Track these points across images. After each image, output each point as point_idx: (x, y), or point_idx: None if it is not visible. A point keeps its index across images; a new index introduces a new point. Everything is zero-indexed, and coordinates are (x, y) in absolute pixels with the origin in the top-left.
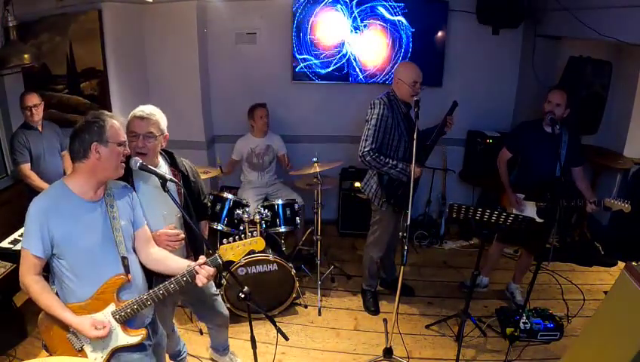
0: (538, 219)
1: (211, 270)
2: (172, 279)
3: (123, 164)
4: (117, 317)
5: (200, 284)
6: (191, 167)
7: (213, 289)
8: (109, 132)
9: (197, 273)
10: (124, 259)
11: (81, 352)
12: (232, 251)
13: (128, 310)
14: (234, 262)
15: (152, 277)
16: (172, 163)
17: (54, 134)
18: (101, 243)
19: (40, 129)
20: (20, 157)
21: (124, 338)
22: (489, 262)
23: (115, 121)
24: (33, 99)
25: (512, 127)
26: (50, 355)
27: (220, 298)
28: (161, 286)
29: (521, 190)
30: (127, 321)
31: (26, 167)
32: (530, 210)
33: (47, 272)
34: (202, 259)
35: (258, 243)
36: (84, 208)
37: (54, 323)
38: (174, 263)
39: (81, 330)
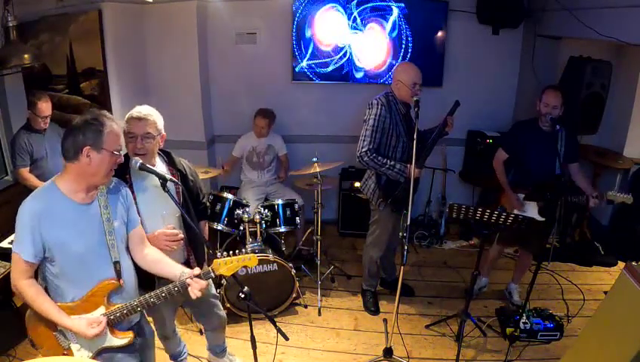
0: (539, 218)
1: (204, 283)
2: (164, 288)
3: (112, 171)
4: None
5: (193, 296)
6: (189, 166)
7: (213, 291)
8: (106, 137)
9: (189, 285)
10: (116, 263)
11: (67, 351)
12: (226, 266)
13: (117, 314)
14: (225, 276)
15: (154, 278)
16: (170, 162)
17: (56, 135)
18: (93, 247)
19: (43, 131)
20: (19, 161)
21: (111, 339)
22: (489, 263)
23: (116, 127)
24: (49, 110)
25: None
26: (37, 350)
27: (218, 301)
28: (152, 294)
29: (521, 190)
30: (114, 324)
31: (25, 171)
32: (532, 210)
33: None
34: (196, 270)
35: (252, 260)
36: (76, 211)
37: (42, 321)
38: (168, 267)
39: (78, 332)
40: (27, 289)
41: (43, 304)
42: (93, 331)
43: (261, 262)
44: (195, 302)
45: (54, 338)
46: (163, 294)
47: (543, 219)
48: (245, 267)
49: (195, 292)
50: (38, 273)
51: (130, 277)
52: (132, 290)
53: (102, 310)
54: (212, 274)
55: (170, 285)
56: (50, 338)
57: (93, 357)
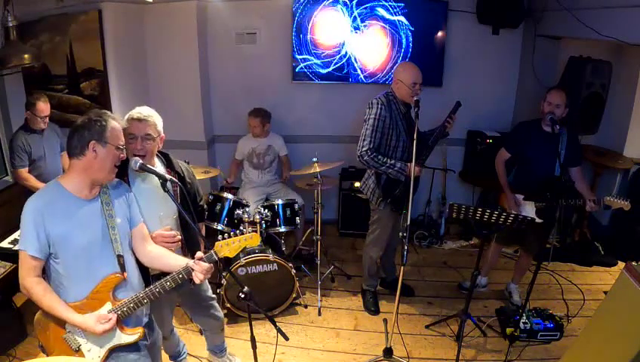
0: (538, 220)
1: (206, 266)
2: (168, 276)
3: (116, 168)
4: None
5: (197, 281)
6: (187, 168)
7: (210, 293)
8: (109, 133)
9: (193, 269)
10: (119, 257)
11: (78, 352)
12: (228, 247)
13: (124, 309)
14: (229, 258)
15: (150, 278)
16: (168, 164)
17: (55, 135)
18: (97, 242)
19: (41, 132)
20: (18, 161)
21: (120, 337)
22: (488, 263)
23: (117, 124)
24: (48, 110)
25: (512, 127)
26: (47, 356)
27: (215, 302)
28: (157, 283)
29: (521, 190)
30: (123, 320)
31: (24, 171)
32: (530, 210)
33: (43, 272)
34: (199, 254)
35: (253, 238)
36: (79, 206)
37: (50, 323)
38: (173, 260)
39: (86, 328)
40: (35, 286)
41: (50, 301)
42: (103, 327)
43: (261, 262)
44: (191, 305)
45: (64, 341)
46: (168, 283)
47: (541, 221)
48: (247, 247)
49: (198, 276)
50: (45, 277)
51: (133, 271)
52: (136, 284)
53: (108, 306)
54: (215, 257)
55: (174, 273)
56: (60, 341)
57: (105, 358)
